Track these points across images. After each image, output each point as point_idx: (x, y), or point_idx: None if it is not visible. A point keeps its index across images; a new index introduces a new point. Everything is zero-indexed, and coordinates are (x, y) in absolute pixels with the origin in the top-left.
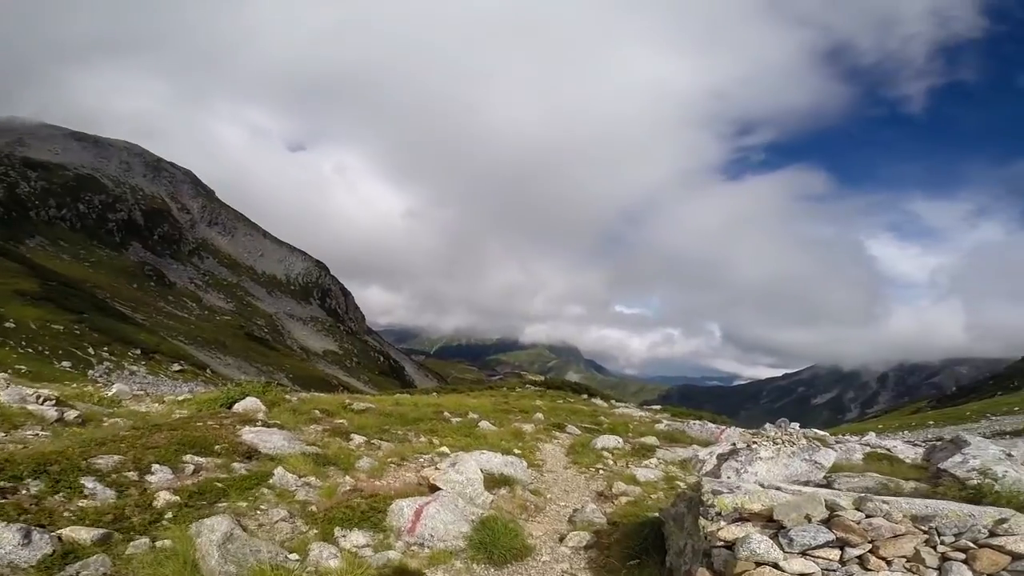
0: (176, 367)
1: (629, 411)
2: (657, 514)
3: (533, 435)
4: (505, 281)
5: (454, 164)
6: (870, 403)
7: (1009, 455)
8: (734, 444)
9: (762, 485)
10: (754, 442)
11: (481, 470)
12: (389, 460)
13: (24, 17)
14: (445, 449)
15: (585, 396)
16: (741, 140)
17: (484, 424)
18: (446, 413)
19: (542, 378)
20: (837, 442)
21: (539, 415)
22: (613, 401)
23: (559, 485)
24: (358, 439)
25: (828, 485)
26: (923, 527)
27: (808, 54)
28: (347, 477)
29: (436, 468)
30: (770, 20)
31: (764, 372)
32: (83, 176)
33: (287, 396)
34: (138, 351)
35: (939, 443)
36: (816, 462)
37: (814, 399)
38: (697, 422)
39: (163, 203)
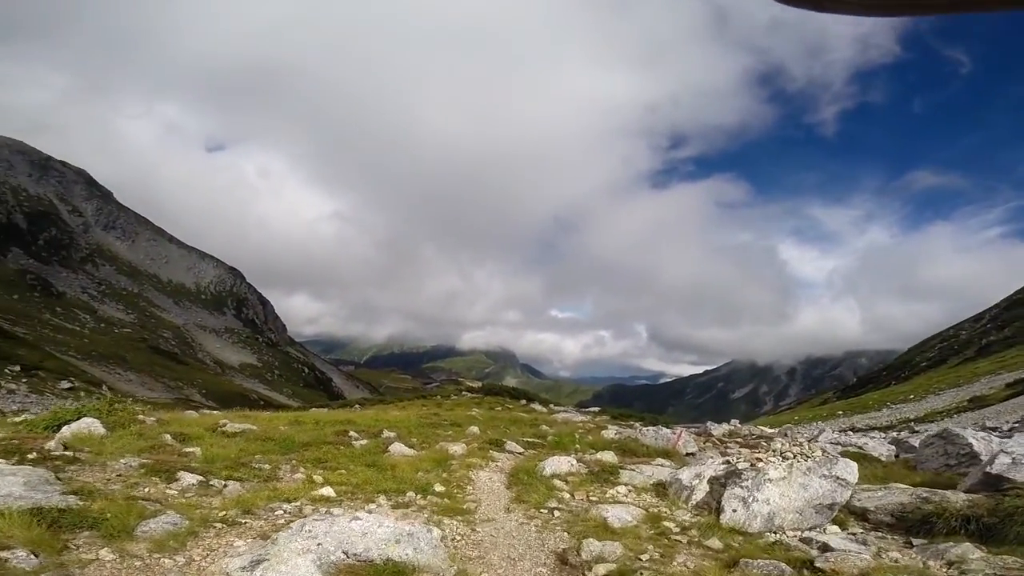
0: (65, 384)
1: (570, 416)
2: None
3: (463, 459)
4: (442, 289)
5: (389, 170)
6: (782, 396)
7: None
8: (728, 461)
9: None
10: (758, 458)
11: (346, 556)
12: (221, 515)
13: None
14: (328, 491)
15: (523, 401)
16: (672, 153)
17: (397, 447)
18: (352, 433)
19: (479, 384)
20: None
21: (474, 428)
22: (552, 406)
23: (500, 548)
24: (189, 479)
25: (846, 505)
26: None
27: (743, 76)
28: (102, 553)
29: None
30: (714, 43)
31: (687, 369)
32: None
33: (142, 416)
34: (17, 368)
35: (927, 438)
36: (839, 478)
37: (732, 394)
38: (651, 428)
39: (50, 205)
